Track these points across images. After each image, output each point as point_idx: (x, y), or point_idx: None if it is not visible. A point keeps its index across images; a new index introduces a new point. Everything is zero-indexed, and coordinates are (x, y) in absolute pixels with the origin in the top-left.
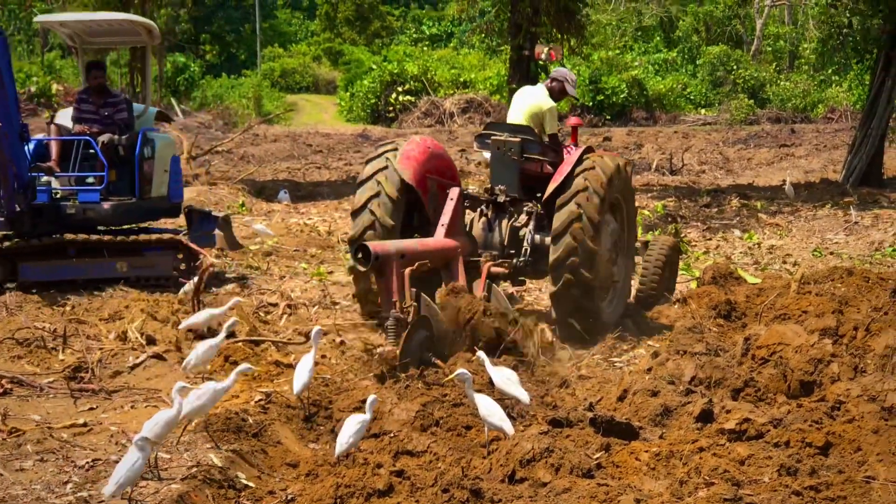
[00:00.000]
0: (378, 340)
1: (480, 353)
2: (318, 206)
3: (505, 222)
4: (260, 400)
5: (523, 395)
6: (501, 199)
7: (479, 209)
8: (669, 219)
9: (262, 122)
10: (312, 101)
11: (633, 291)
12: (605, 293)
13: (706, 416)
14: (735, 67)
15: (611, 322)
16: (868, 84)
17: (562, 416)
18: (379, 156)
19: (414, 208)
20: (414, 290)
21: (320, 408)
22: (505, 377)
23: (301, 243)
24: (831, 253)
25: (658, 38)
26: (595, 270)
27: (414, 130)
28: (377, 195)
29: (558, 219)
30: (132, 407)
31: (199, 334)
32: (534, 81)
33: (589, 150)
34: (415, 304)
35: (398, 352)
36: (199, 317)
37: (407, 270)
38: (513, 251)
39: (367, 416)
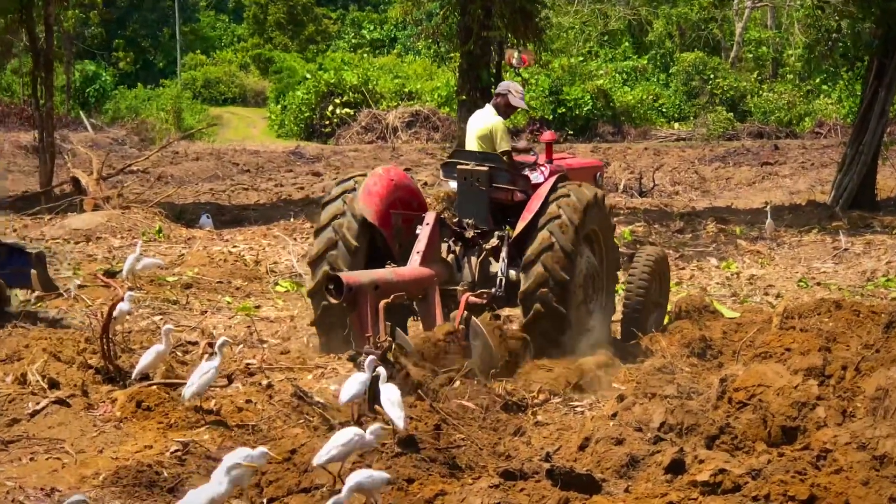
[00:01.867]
0: (310, 384)
1: (381, 369)
2: (245, 232)
3: (474, 259)
4: (177, 450)
5: (399, 421)
6: (470, 233)
7: (447, 243)
8: (638, 245)
9: (183, 138)
10: (239, 115)
11: (619, 314)
12: (581, 330)
13: (677, 467)
14: (712, 76)
15: (584, 353)
16: (859, 94)
17: (515, 467)
18: (335, 198)
19: (377, 246)
20: (388, 323)
21: None
22: (387, 397)
23: (225, 274)
24: (818, 283)
25: (626, 43)
26: (567, 303)
27: (353, 147)
28: (334, 246)
29: (529, 248)
30: (31, 459)
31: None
32: (486, 92)
33: (562, 178)
34: (390, 339)
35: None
36: (147, 358)
37: (382, 303)
38: (484, 288)
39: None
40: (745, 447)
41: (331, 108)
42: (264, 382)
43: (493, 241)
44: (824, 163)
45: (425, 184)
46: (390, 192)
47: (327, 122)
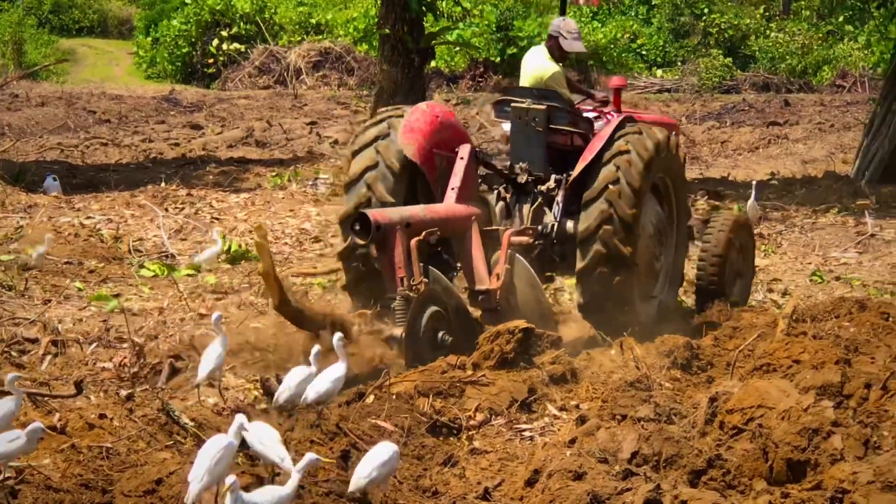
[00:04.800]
0: (186, 396)
1: (239, 415)
2: (103, 199)
3: (527, 206)
4: (8, 478)
5: (283, 462)
6: (522, 178)
7: (496, 190)
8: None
9: (24, 77)
10: (98, 49)
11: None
12: (644, 286)
13: None
14: (706, 11)
15: (647, 324)
16: (893, 38)
17: None
18: (381, 121)
19: (420, 187)
20: (422, 264)
21: (95, 490)
22: (258, 440)
23: (75, 253)
24: (837, 278)
25: None
26: (632, 246)
27: (243, 94)
28: (375, 166)
29: (586, 219)
30: None
31: None
32: (415, 24)
33: (628, 119)
34: (425, 280)
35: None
36: None
37: (414, 241)
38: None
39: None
40: (740, 485)
41: (216, 42)
42: (123, 393)
43: (550, 185)
44: (847, 124)
45: (336, 142)
46: (435, 131)
47: (211, 61)
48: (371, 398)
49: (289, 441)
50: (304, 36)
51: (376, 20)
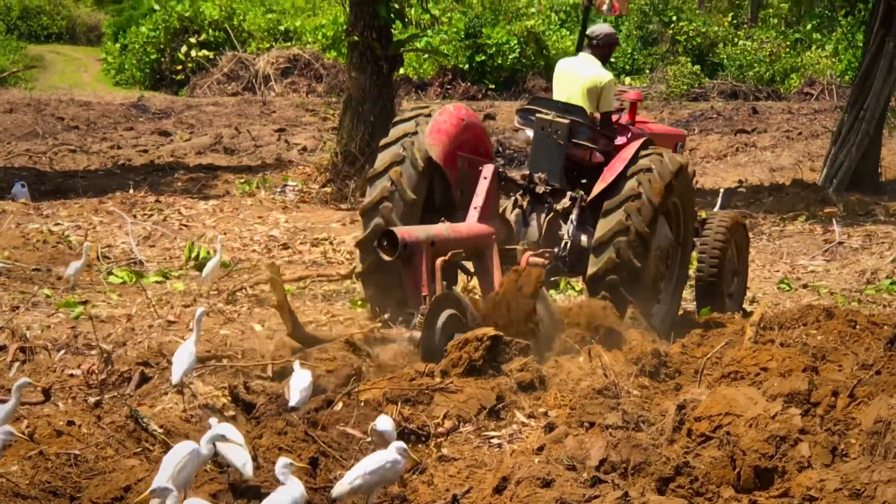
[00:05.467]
0: (154, 403)
1: (220, 425)
2: (71, 206)
3: (542, 216)
4: None
5: (245, 468)
6: (540, 189)
7: (513, 198)
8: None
9: None
10: (67, 55)
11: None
12: (645, 305)
13: None
14: (675, 18)
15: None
16: (861, 46)
17: None
18: (409, 119)
19: (439, 186)
20: (445, 283)
21: (63, 497)
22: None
23: (44, 260)
24: (804, 286)
25: None
26: (643, 260)
27: (212, 100)
28: (401, 161)
29: (603, 227)
30: None
31: None
32: (383, 31)
33: (648, 142)
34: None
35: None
36: None
37: (439, 261)
38: (549, 248)
39: None
40: (708, 492)
41: (184, 49)
42: (91, 400)
43: (565, 202)
44: (815, 132)
45: (305, 148)
46: (460, 132)
47: (179, 68)
48: (340, 405)
49: (257, 448)
50: (273, 43)
51: (345, 27)
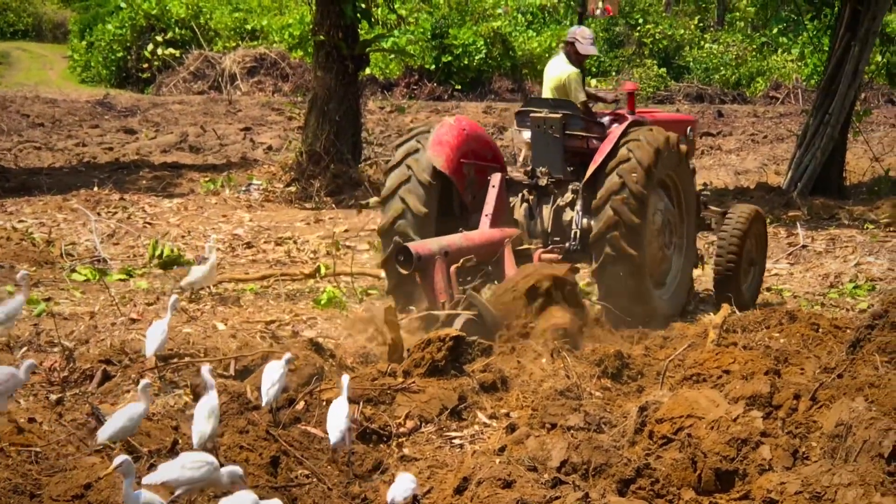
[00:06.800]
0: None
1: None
2: (35, 203)
3: (548, 207)
4: None
5: (196, 435)
6: (543, 181)
7: (520, 194)
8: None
9: None
10: (32, 52)
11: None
12: (658, 277)
13: None
14: (641, 22)
15: (666, 314)
16: (826, 50)
17: None
18: (410, 139)
19: (451, 195)
20: (461, 288)
21: (23, 494)
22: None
23: (7, 256)
24: (768, 289)
25: None
26: (640, 247)
27: (178, 99)
28: (407, 181)
29: (599, 192)
30: None
31: None
32: (349, 31)
33: (637, 122)
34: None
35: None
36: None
37: (453, 268)
38: (557, 237)
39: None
40: (669, 494)
41: (151, 47)
42: (53, 397)
43: (568, 195)
44: (780, 135)
45: (270, 147)
46: (462, 143)
47: (146, 66)
48: (301, 404)
49: (218, 447)
50: (240, 42)
51: (311, 27)
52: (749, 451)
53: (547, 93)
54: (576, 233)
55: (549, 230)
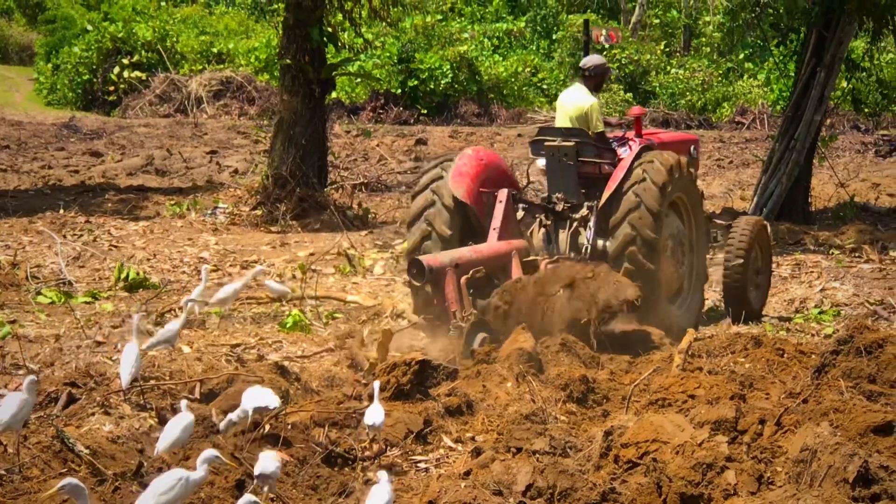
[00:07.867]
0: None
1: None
2: (0, 225)
3: (564, 232)
4: None
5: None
6: (560, 207)
7: (538, 218)
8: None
9: None
10: None
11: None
12: (672, 295)
13: None
14: (607, 47)
15: (682, 327)
16: (792, 76)
17: None
18: (434, 167)
19: (471, 218)
20: (471, 298)
21: None
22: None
23: None
24: None
25: (499, 0)
26: (654, 261)
27: (143, 122)
28: (432, 205)
29: (616, 211)
30: None
31: None
32: (316, 54)
33: (647, 148)
34: (474, 311)
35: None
36: None
37: (463, 279)
38: (573, 254)
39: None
40: None
41: (117, 69)
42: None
43: (583, 211)
44: (746, 161)
45: (236, 171)
46: (480, 172)
47: (112, 89)
48: (267, 427)
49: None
50: (206, 65)
51: (278, 50)
52: (714, 475)
53: (565, 121)
54: (586, 248)
55: (567, 252)
